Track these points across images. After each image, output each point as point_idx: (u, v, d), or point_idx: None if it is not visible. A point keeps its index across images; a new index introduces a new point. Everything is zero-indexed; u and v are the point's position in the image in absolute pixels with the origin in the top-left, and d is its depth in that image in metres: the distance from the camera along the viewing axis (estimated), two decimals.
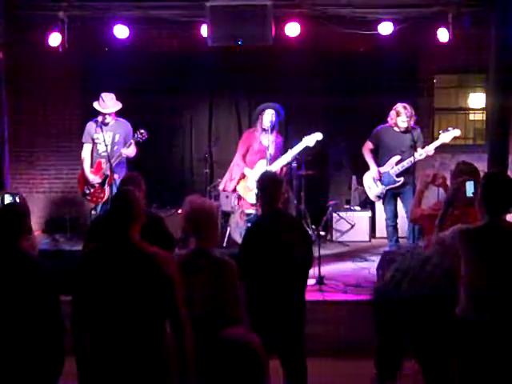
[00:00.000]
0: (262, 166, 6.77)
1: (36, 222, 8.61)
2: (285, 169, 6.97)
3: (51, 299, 3.11)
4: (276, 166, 6.80)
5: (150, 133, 6.80)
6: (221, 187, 7.44)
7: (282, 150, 6.96)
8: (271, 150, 6.88)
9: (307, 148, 6.89)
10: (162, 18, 7.10)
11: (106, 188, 6.79)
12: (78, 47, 7.37)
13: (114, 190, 6.55)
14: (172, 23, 7.30)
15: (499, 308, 3.44)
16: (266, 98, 7.21)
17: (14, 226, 3.17)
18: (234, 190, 7.14)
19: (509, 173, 6.51)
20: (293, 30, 6.98)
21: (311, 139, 6.82)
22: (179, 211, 8.41)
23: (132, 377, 3.03)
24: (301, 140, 6.89)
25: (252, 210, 6.76)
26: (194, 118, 9.16)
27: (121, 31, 7.10)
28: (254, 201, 6.43)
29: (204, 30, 6.83)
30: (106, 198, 6.81)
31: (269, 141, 6.89)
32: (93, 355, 3.07)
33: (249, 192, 6.90)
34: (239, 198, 7.13)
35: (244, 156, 7.06)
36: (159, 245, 3.18)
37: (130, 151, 6.76)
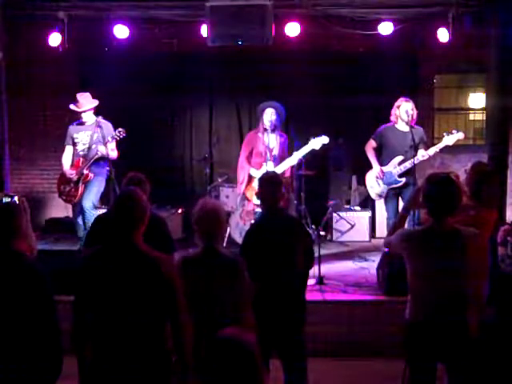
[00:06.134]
0: (269, 168, 6.74)
1: (35, 222, 8.60)
2: (294, 170, 6.93)
3: (45, 300, 3.07)
4: (283, 168, 6.78)
5: (150, 133, 6.78)
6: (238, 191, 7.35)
7: (287, 148, 6.93)
8: (276, 151, 6.86)
9: (312, 150, 6.87)
10: (162, 18, 7.10)
11: (80, 187, 6.73)
12: (78, 47, 7.37)
13: (91, 189, 6.66)
14: (172, 23, 7.30)
15: (443, 310, 3.41)
16: (266, 98, 7.20)
17: (5, 226, 3.14)
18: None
19: (509, 173, 6.49)
20: (293, 30, 6.97)
21: (317, 142, 6.77)
22: (179, 211, 8.43)
23: (133, 379, 3.02)
24: (301, 140, 6.88)
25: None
26: (194, 118, 9.17)
27: (121, 31, 7.09)
28: (257, 201, 6.42)
29: (204, 30, 6.83)
30: (78, 197, 6.76)
31: (274, 141, 6.87)
32: (94, 357, 3.06)
33: (254, 193, 6.87)
34: (247, 199, 7.11)
35: (248, 158, 7.02)
36: (159, 246, 3.15)
37: (109, 150, 6.58)
